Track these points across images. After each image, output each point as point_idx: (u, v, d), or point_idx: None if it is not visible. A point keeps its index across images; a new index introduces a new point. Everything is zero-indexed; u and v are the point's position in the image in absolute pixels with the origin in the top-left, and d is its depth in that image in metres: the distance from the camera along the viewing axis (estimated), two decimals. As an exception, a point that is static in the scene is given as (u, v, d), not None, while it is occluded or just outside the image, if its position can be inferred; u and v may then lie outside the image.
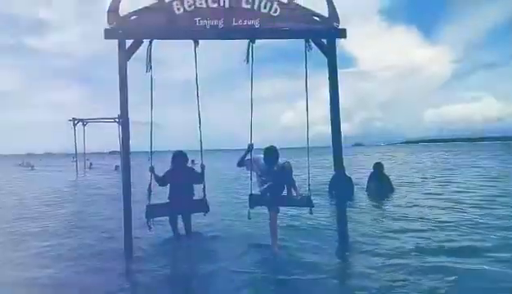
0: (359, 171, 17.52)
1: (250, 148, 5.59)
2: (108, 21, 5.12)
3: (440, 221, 6.78)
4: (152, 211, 5.65)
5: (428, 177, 15.39)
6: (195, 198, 6.15)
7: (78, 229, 7.19)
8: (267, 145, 5.68)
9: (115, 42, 5.16)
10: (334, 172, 6.22)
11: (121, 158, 5.26)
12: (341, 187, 6.07)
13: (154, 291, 4.25)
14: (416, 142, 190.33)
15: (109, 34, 5.12)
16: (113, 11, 5.13)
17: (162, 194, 6.28)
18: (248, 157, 5.68)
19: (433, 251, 5.08)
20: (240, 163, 5.83)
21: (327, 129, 5.69)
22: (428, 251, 5.08)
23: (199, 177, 5.92)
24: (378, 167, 11.16)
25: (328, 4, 5.46)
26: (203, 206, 5.88)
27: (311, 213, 5.65)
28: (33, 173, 29.71)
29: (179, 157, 6.20)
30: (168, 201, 6.10)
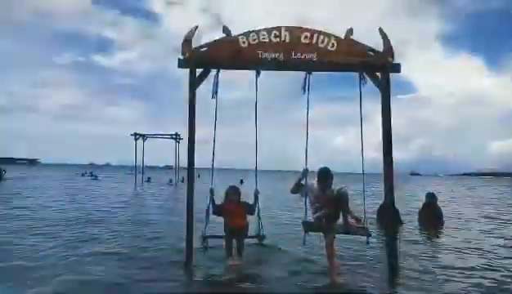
0: (412, 200, 17.05)
1: (305, 172, 5.62)
2: (182, 51, 5.68)
3: (485, 265, 6.30)
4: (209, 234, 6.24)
5: (486, 214, 14.50)
6: (250, 230, 6.31)
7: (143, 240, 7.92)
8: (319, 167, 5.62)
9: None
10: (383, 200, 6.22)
11: (187, 174, 5.78)
12: (388, 218, 5.99)
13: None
14: (477, 175, 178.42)
15: (182, 64, 5.71)
16: (187, 41, 5.70)
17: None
18: (302, 181, 5.66)
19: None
20: (294, 190, 5.80)
21: (378, 155, 5.69)
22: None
23: (252, 209, 6.24)
24: (430, 197, 10.94)
25: (383, 39, 5.74)
26: (259, 237, 6.57)
27: (368, 243, 5.41)
28: (101, 184, 31.85)
29: (233, 192, 6.31)
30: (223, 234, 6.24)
